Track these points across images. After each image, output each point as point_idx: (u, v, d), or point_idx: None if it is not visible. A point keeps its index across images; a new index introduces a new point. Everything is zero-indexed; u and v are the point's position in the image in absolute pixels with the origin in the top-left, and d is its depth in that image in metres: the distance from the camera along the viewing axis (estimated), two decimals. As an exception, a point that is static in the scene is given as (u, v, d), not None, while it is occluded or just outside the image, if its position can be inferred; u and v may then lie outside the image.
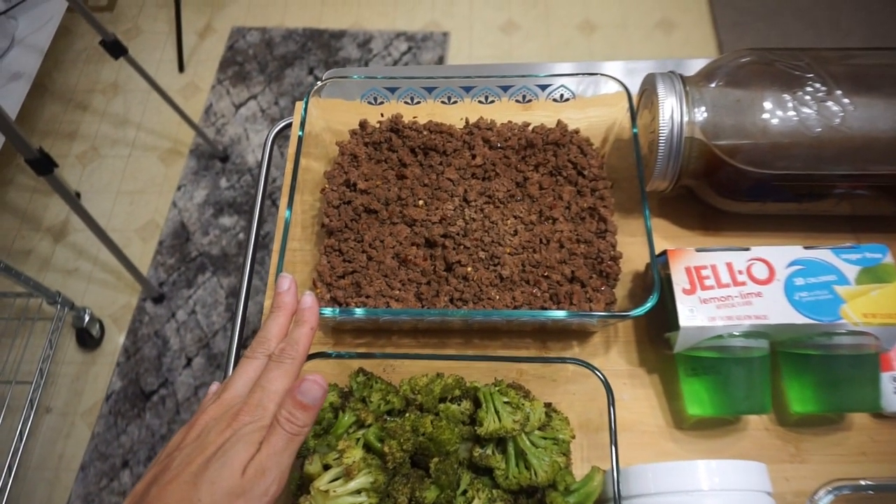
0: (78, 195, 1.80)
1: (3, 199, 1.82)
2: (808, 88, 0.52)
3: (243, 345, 0.62)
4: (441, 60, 1.97)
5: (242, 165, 1.83)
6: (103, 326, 1.63)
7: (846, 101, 0.52)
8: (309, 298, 0.46)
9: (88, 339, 1.60)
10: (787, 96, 0.52)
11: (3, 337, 1.54)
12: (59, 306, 1.50)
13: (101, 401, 1.56)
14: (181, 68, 1.98)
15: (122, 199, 1.82)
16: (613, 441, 0.44)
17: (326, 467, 0.43)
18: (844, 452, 0.52)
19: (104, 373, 1.60)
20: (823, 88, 0.52)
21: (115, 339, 1.63)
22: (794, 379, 0.52)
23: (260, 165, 0.74)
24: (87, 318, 1.57)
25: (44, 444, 1.52)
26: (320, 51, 2.00)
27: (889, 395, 0.52)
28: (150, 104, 1.93)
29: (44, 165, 1.23)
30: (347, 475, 0.41)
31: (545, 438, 0.47)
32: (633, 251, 0.56)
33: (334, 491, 0.41)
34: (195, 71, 1.99)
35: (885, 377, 0.52)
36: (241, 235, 1.74)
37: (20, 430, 1.41)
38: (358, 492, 0.42)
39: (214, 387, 0.44)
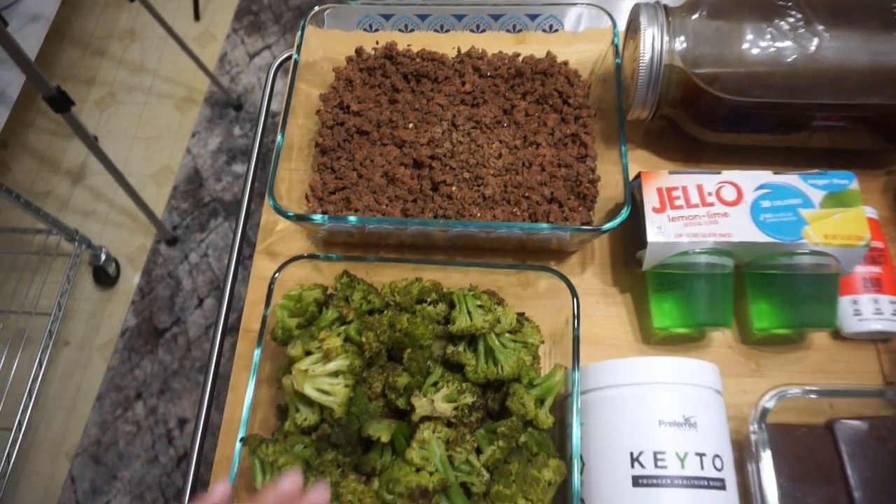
0: (95, 139, 1.85)
1: (24, 142, 1.87)
2: (788, 18, 0.54)
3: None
4: None
5: (256, 114, 1.86)
6: (119, 266, 1.69)
7: (822, 29, 0.53)
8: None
9: (104, 278, 1.66)
10: (765, 25, 0.54)
11: (24, 273, 1.60)
12: (76, 244, 1.55)
13: (116, 336, 1.63)
14: (197, 17, 1.99)
15: (138, 144, 1.86)
16: (576, 326, 0.47)
17: (308, 354, 0.47)
18: (803, 370, 0.55)
19: (119, 310, 1.66)
20: (802, 18, 0.53)
21: (131, 279, 1.69)
22: (758, 297, 0.54)
23: (262, 95, 0.77)
24: (103, 257, 1.62)
25: (62, 375, 1.59)
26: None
27: (848, 316, 0.54)
28: (166, 52, 1.96)
29: (61, 103, 1.27)
30: (326, 357, 0.45)
31: (515, 342, 0.51)
32: (612, 180, 0.59)
33: (313, 370, 0.45)
34: (210, 20, 2.01)
35: (846, 300, 0.54)
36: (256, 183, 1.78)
37: (39, 360, 1.48)
38: (335, 374, 0.45)
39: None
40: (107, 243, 1.70)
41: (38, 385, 1.47)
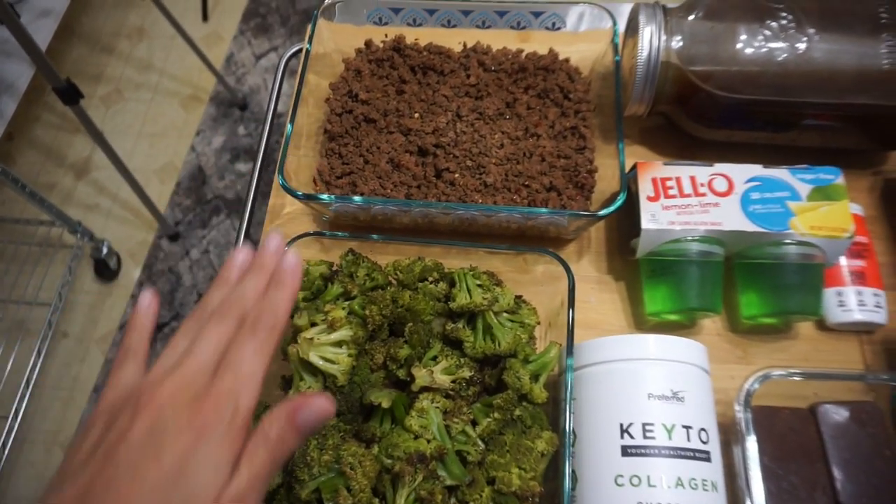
0: (101, 134, 1.87)
1: (30, 136, 1.89)
2: (780, 20, 0.56)
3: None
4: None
5: (261, 114, 1.89)
6: (120, 260, 1.70)
7: (813, 31, 0.55)
8: (292, 259, 0.38)
9: (105, 271, 1.67)
10: (757, 26, 0.56)
11: (25, 264, 1.61)
12: (79, 235, 1.57)
13: (115, 329, 1.64)
14: (205, 17, 2.03)
15: (143, 141, 1.88)
16: (571, 305, 0.49)
17: (313, 325, 0.49)
18: (788, 358, 0.57)
19: (119, 304, 1.67)
20: (793, 20, 0.56)
21: (131, 273, 1.71)
22: (746, 286, 0.56)
23: (272, 86, 0.79)
24: (105, 250, 1.64)
25: (60, 366, 1.60)
26: (341, 7, 2.04)
27: (833, 307, 0.56)
28: (173, 51, 1.99)
29: (70, 95, 1.30)
30: (331, 327, 0.47)
31: (512, 321, 0.52)
32: (609, 173, 0.61)
33: (318, 339, 0.47)
34: (218, 21, 2.04)
35: (831, 292, 0.57)
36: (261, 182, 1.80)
37: (38, 350, 1.49)
38: (339, 343, 0.47)
39: (148, 302, 0.37)
40: (109, 237, 1.71)
41: (35, 375, 1.48)
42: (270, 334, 0.33)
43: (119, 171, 1.51)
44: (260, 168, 0.75)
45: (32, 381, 1.48)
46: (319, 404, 0.32)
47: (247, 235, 0.72)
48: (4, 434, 1.39)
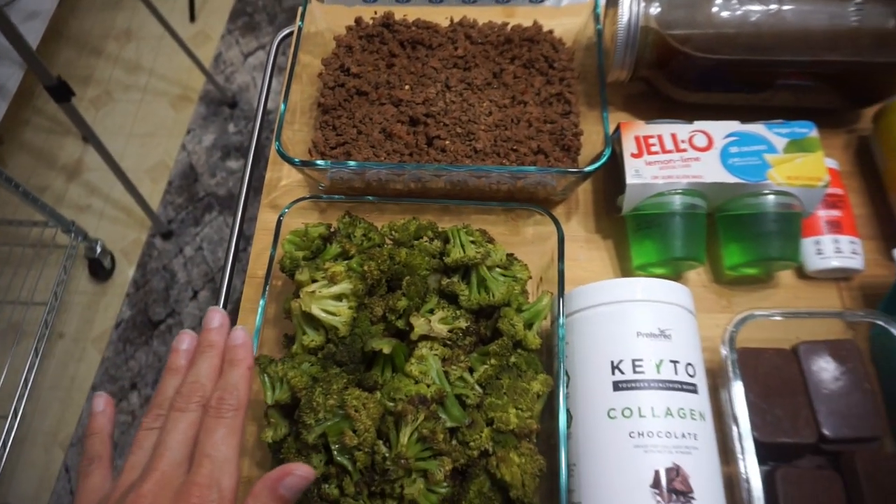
0: (85, 140, 1.88)
1: (20, 139, 1.89)
2: (752, -17, 0.59)
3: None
4: None
5: (250, 112, 1.90)
6: (114, 259, 1.71)
7: (783, -7, 0.58)
8: (240, 333, 0.40)
9: (100, 270, 1.68)
10: (731, -11, 0.59)
11: (20, 266, 1.62)
12: (73, 235, 1.58)
13: (110, 328, 1.65)
14: (192, 18, 2.04)
15: (134, 141, 1.89)
16: (561, 253, 0.52)
17: (314, 282, 0.51)
18: (770, 305, 0.59)
19: (114, 303, 1.68)
20: (764, -18, 0.59)
21: (126, 272, 1.72)
22: (728, 238, 0.59)
23: (264, 73, 0.81)
24: (99, 250, 1.65)
25: (57, 366, 1.61)
26: (327, 5, 2.06)
27: (811, 255, 0.59)
28: (161, 51, 2.00)
29: (62, 93, 1.31)
30: (331, 281, 0.49)
31: (505, 276, 0.55)
32: (593, 138, 0.63)
33: (320, 292, 0.48)
34: (206, 21, 2.05)
35: (809, 241, 0.59)
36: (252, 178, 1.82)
37: (35, 350, 1.50)
38: (339, 297, 0.49)
39: (102, 406, 0.39)
40: (102, 237, 1.72)
41: (33, 375, 1.49)
42: (237, 414, 0.35)
43: (111, 171, 1.52)
44: (251, 163, 0.76)
45: (31, 382, 1.48)
46: (301, 475, 0.34)
47: (240, 231, 0.74)
48: (4, 434, 1.40)
